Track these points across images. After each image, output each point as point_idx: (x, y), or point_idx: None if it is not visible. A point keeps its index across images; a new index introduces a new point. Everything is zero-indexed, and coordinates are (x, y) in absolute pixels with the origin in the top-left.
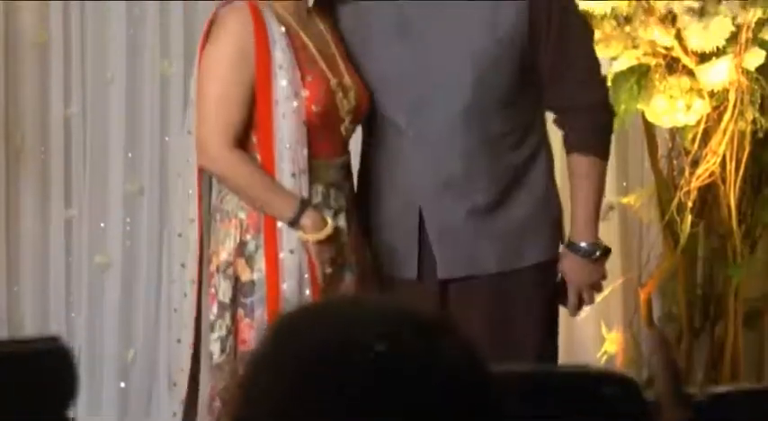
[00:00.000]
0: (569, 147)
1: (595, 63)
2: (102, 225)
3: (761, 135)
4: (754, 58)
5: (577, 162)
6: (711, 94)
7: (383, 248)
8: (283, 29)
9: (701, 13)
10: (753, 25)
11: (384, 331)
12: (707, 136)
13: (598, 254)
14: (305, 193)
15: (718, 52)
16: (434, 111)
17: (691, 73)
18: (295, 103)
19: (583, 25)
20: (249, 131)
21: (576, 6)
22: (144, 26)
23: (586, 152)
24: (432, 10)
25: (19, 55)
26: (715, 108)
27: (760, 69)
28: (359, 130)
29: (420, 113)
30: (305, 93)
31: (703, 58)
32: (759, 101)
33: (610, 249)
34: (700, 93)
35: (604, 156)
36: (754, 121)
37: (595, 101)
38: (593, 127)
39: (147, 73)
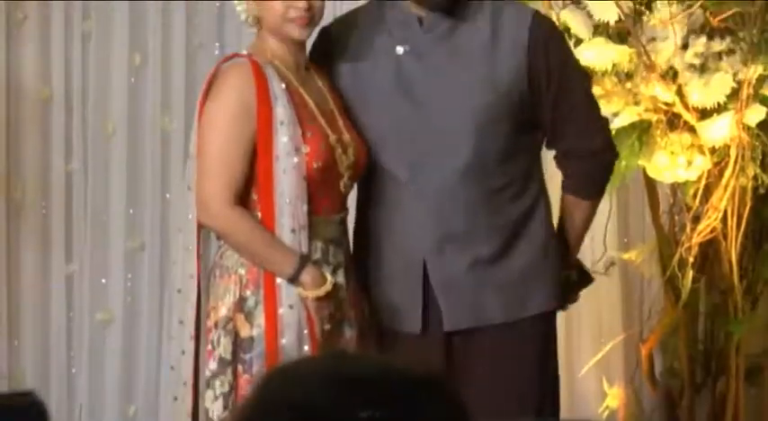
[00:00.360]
0: (566, 189)
1: (595, 109)
2: (103, 281)
3: (762, 191)
4: (755, 115)
5: (572, 201)
6: (712, 150)
7: (385, 302)
8: (284, 85)
9: (702, 69)
10: (754, 81)
11: (371, 395)
12: (708, 192)
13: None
14: (305, 249)
15: (720, 108)
16: (436, 166)
17: (692, 129)
18: (296, 159)
19: (581, 75)
20: (249, 187)
21: (573, 57)
22: (145, 75)
23: (583, 197)
24: (430, 66)
25: (21, 110)
26: (716, 164)
27: (761, 125)
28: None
29: (422, 168)
30: (305, 149)
31: (704, 114)
32: (760, 157)
33: (588, 276)
34: (701, 149)
35: (600, 196)
36: (755, 177)
37: (596, 147)
38: (593, 173)
39: (148, 128)
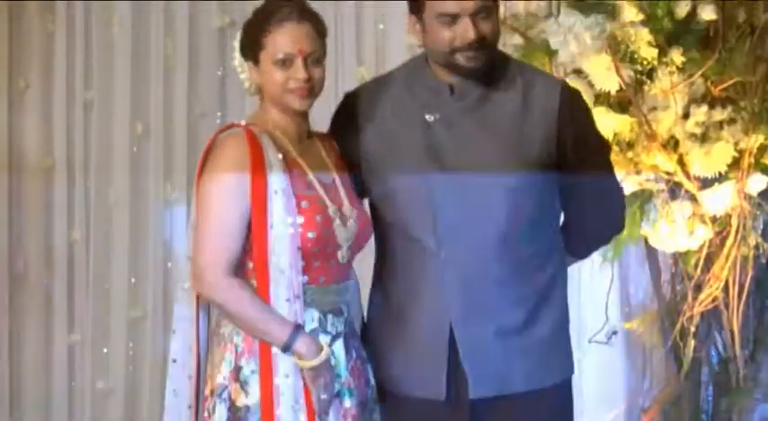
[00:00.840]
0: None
1: (613, 181)
2: (105, 350)
3: (764, 260)
4: (756, 184)
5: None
6: (714, 220)
7: (407, 368)
8: (281, 155)
9: (704, 138)
10: (755, 150)
11: None
12: (710, 261)
13: None
14: (299, 319)
15: (721, 177)
16: (466, 235)
17: (693, 198)
18: (290, 229)
19: (602, 145)
20: (245, 256)
21: (596, 128)
22: (147, 145)
23: (579, 259)
24: (460, 135)
25: (23, 179)
26: (718, 233)
27: (762, 194)
28: None
29: (452, 238)
30: (300, 218)
31: (706, 183)
32: (762, 226)
33: None
34: (702, 218)
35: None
36: (756, 246)
37: (608, 218)
38: (596, 243)
39: (151, 197)
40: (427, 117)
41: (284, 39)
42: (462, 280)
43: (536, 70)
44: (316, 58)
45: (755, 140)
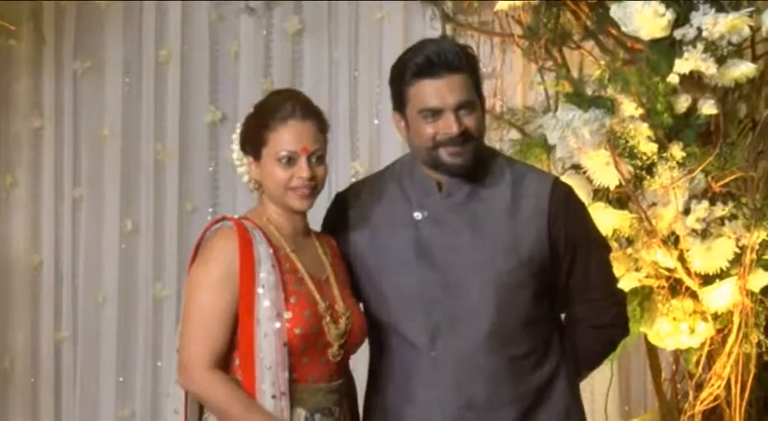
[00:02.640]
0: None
1: (610, 281)
2: None
3: (766, 358)
4: (758, 280)
5: None
6: (715, 317)
7: None
8: (271, 250)
9: (705, 234)
10: (756, 246)
11: None
12: (711, 359)
13: None
14: (286, 417)
15: (722, 274)
16: (457, 333)
17: (694, 295)
18: (277, 324)
19: (599, 245)
20: (232, 351)
21: (593, 226)
22: (137, 242)
23: (588, 368)
24: (449, 233)
25: (10, 277)
26: (719, 331)
27: (764, 291)
28: None
29: (442, 336)
30: (287, 314)
31: (707, 279)
32: (764, 323)
33: None
34: (703, 315)
35: (593, 369)
36: (759, 344)
37: (605, 321)
38: (596, 347)
39: (141, 295)
40: (415, 215)
41: (288, 136)
42: (454, 380)
43: (526, 166)
44: (319, 155)
45: (757, 236)
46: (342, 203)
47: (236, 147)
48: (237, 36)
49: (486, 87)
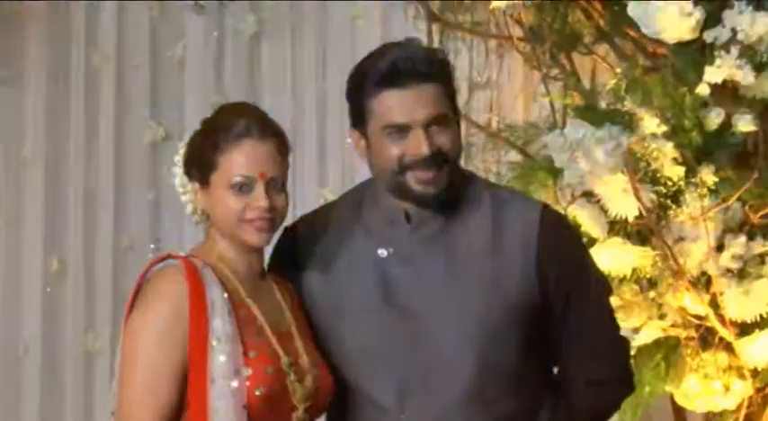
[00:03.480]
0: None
1: (612, 328)
2: None
3: None
4: None
5: None
6: (755, 373)
7: None
8: (226, 295)
9: (741, 275)
10: None
11: None
12: None
13: None
14: None
15: (762, 322)
16: (430, 391)
17: (729, 348)
18: (234, 383)
19: (597, 285)
20: (182, 412)
21: (589, 261)
22: (64, 283)
23: None
24: (419, 272)
25: None
26: (759, 390)
27: None
28: None
29: (414, 396)
30: (246, 371)
31: (744, 329)
32: None
33: None
34: (740, 371)
35: None
36: None
37: (607, 376)
38: (597, 409)
39: (69, 348)
40: (379, 252)
41: (242, 159)
42: None
43: (509, 190)
44: (279, 182)
45: None
46: (290, 240)
47: (178, 170)
48: (183, 38)
49: (481, 100)
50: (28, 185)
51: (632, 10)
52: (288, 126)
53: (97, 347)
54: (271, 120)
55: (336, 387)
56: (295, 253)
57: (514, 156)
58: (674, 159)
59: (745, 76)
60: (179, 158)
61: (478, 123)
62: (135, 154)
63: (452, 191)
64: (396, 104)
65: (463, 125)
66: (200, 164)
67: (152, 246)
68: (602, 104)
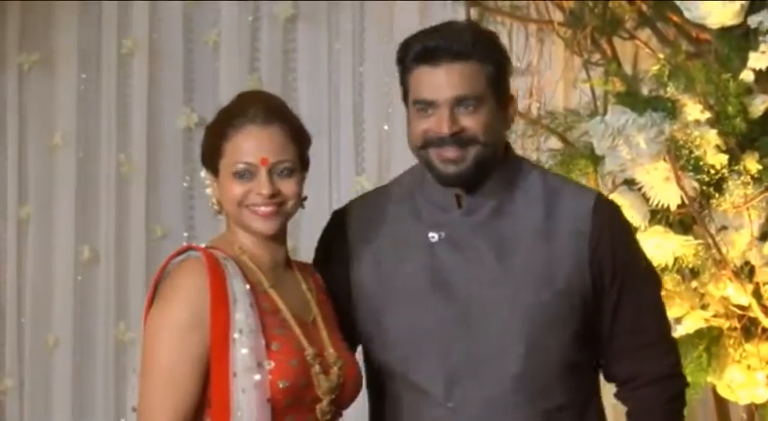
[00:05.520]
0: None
1: (664, 324)
2: None
3: None
4: None
5: None
6: None
7: None
8: (248, 286)
9: None
10: None
11: None
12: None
13: None
14: None
15: None
16: (478, 380)
17: None
18: (257, 377)
19: (650, 278)
20: (202, 409)
21: (642, 253)
22: (96, 272)
23: None
24: (471, 258)
25: None
26: None
27: None
28: None
29: (461, 384)
30: (269, 364)
31: None
32: None
33: None
34: None
35: None
36: None
37: (664, 371)
38: (663, 402)
39: (100, 338)
40: (430, 236)
41: (244, 145)
42: None
43: (563, 179)
44: (286, 168)
45: None
46: (339, 223)
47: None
48: (217, 23)
49: (521, 86)
50: (59, 172)
51: None
52: (324, 112)
53: (129, 337)
54: (280, 107)
55: (377, 376)
56: (345, 237)
57: (555, 143)
58: (717, 146)
59: None
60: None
61: (518, 110)
62: (168, 140)
63: (482, 173)
64: (425, 81)
65: None
66: (211, 153)
67: (185, 234)
68: (644, 91)
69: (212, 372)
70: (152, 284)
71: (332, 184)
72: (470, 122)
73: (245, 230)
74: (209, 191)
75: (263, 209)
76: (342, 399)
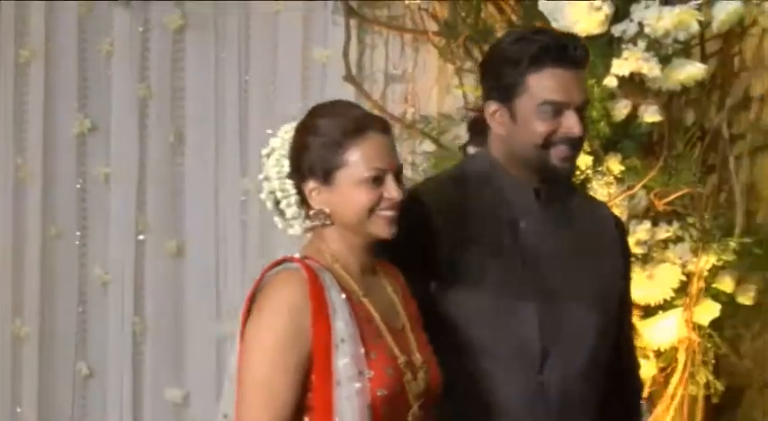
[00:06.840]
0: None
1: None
2: None
3: (715, 400)
4: (707, 312)
5: None
6: (658, 354)
7: None
8: (344, 296)
9: (646, 259)
10: (705, 274)
11: None
12: (652, 402)
13: None
14: None
15: (666, 305)
16: (563, 355)
17: (633, 329)
18: (358, 385)
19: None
20: (301, 416)
21: None
22: None
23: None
24: (551, 246)
25: None
26: (662, 370)
27: (713, 324)
28: None
29: (550, 356)
30: (369, 373)
31: (648, 311)
32: (713, 361)
33: None
34: (644, 352)
35: None
36: (707, 385)
37: (636, 365)
38: (629, 397)
39: None
40: (521, 223)
41: (373, 152)
42: (563, 408)
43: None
44: (401, 172)
45: (706, 262)
46: (418, 201)
47: (275, 174)
48: (110, 33)
49: (397, 92)
50: None
51: (543, 5)
52: (211, 117)
53: (25, 333)
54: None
55: (460, 354)
56: (427, 212)
57: (429, 145)
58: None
59: (651, 69)
60: (273, 163)
61: (394, 115)
62: (63, 145)
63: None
64: (558, 83)
65: None
66: (323, 164)
67: (78, 233)
68: None
69: (315, 380)
70: (247, 298)
71: (218, 187)
72: (583, 128)
73: (355, 236)
74: (289, 201)
75: (390, 213)
76: (428, 402)
